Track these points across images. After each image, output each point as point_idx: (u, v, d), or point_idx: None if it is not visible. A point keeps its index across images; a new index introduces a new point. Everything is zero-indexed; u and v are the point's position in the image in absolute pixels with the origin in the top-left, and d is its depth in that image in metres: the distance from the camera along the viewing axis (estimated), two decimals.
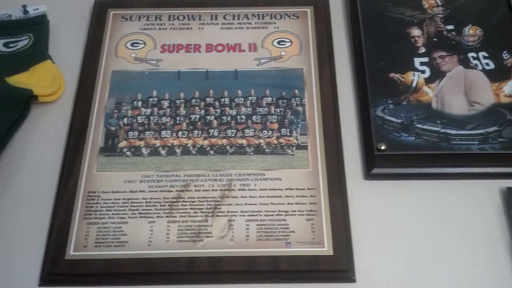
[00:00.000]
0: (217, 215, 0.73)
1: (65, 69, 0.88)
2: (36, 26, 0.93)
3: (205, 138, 0.80)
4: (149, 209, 0.74)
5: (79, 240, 0.72)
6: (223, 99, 0.84)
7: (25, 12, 0.95)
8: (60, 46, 0.92)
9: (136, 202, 0.74)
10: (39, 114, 0.85)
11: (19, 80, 0.86)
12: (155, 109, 0.83)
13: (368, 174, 0.77)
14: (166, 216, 0.73)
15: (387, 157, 0.77)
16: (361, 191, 0.76)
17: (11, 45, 0.91)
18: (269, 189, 0.75)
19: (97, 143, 0.80)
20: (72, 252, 0.71)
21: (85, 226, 0.73)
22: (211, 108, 0.83)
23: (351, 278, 0.69)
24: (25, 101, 0.83)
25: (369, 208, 0.75)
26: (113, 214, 0.74)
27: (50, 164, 0.80)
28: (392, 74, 0.85)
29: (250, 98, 0.84)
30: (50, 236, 0.73)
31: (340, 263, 0.70)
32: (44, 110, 0.85)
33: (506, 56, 0.85)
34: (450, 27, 0.89)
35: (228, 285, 0.70)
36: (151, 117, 0.82)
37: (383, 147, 0.77)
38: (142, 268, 0.70)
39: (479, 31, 0.88)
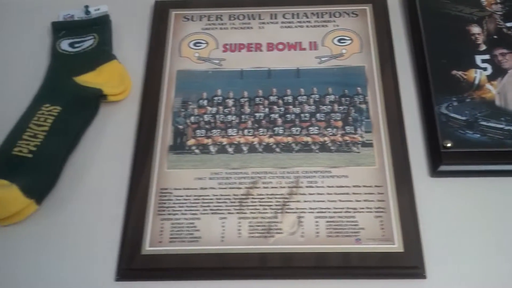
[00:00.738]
0: (286, 212, 0.74)
1: (128, 69, 0.90)
2: (100, 26, 0.94)
3: (270, 136, 0.81)
4: (219, 206, 0.75)
5: (154, 236, 0.73)
6: (286, 97, 0.85)
7: (87, 12, 0.97)
8: (122, 46, 0.94)
9: (207, 199, 0.76)
10: (107, 113, 0.87)
11: (87, 79, 0.88)
12: (221, 107, 0.84)
13: (435, 172, 0.78)
14: (237, 213, 0.75)
15: (454, 155, 0.77)
16: (427, 189, 0.77)
17: (77, 45, 0.93)
18: (336, 186, 0.76)
19: (166, 141, 0.81)
20: (148, 247, 0.73)
21: (159, 222, 0.74)
22: (275, 107, 0.84)
23: (422, 275, 0.70)
24: (95, 100, 0.84)
25: (436, 205, 0.76)
26: (185, 210, 0.75)
27: (121, 161, 0.82)
28: (454, 72, 0.85)
29: (313, 96, 0.84)
30: (125, 231, 0.74)
31: (411, 260, 0.70)
32: (112, 109, 0.87)
33: None
34: (510, 24, 0.89)
35: (299, 281, 0.71)
36: (217, 116, 0.84)
37: (449, 145, 0.77)
38: (216, 263, 0.72)
39: None
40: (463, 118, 0.80)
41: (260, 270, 0.71)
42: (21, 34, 0.97)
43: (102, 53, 0.91)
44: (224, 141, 0.81)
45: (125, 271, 0.72)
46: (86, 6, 0.97)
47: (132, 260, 0.72)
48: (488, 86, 0.83)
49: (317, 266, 0.71)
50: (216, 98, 0.86)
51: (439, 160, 0.77)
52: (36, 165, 0.78)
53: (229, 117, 0.84)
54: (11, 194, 0.73)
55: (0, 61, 0.94)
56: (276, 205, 0.75)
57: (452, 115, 0.81)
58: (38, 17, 0.97)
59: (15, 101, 0.87)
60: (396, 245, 0.71)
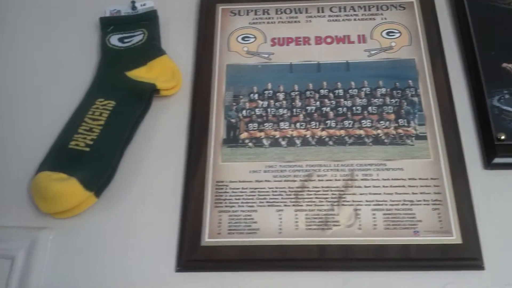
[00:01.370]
0: (343, 204, 0.75)
1: (177, 64, 0.91)
2: (148, 22, 0.95)
3: (323, 129, 0.81)
4: (276, 198, 0.76)
5: (213, 228, 0.74)
6: (337, 91, 0.85)
7: (133, 7, 0.98)
8: (169, 41, 0.94)
9: (263, 191, 0.77)
10: (159, 108, 0.88)
11: (139, 74, 0.88)
12: (272, 101, 0.85)
13: (489, 164, 0.77)
14: (293, 205, 0.75)
15: (508, 147, 0.77)
16: (482, 181, 0.77)
17: (126, 40, 0.94)
18: (392, 179, 0.76)
19: (219, 135, 0.82)
20: (207, 239, 0.74)
21: (217, 214, 0.75)
22: (326, 100, 0.84)
23: (480, 266, 0.70)
24: (148, 95, 0.85)
25: (491, 197, 0.76)
26: (242, 202, 0.76)
27: (175, 155, 0.82)
28: (504, 64, 0.84)
29: (364, 89, 0.85)
30: (183, 224, 0.75)
31: (469, 251, 0.71)
32: (163, 104, 0.88)
33: None
34: None
35: (359, 273, 0.71)
36: (269, 109, 0.84)
37: (503, 137, 0.77)
38: (275, 255, 0.72)
39: None
40: None
41: (320, 262, 0.72)
42: (68, 29, 0.98)
43: (152, 48, 0.92)
44: (277, 134, 0.82)
45: (185, 263, 0.73)
46: (133, 2, 0.98)
47: (192, 251, 0.73)
48: None
49: (376, 258, 0.71)
50: (266, 91, 0.86)
51: (494, 153, 0.77)
52: (94, 158, 0.78)
53: (281, 111, 0.84)
54: (71, 187, 0.74)
55: (50, 56, 0.95)
56: (332, 198, 0.75)
57: (504, 107, 0.81)
58: (85, 13, 0.97)
59: (66, 95, 0.89)
60: (454, 237, 0.72)
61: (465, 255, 0.71)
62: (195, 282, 0.72)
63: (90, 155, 0.78)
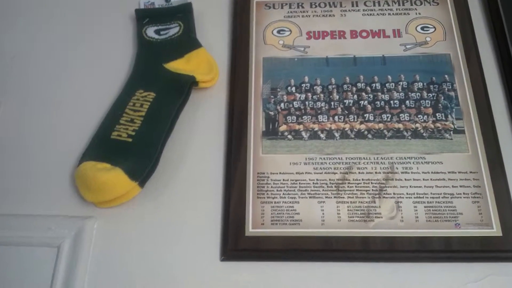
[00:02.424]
0: (384, 197, 0.75)
1: (213, 56, 0.91)
2: (183, 14, 0.95)
3: (361, 123, 0.81)
4: (317, 190, 0.76)
5: (256, 218, 0.75)
6: (374, 84, 0.85)
7: (167, 0, 0.96)
8: (204, 34, 0.94)
9: (304, 183, 0.77)
10: (198, 100, 0.88)
11: (177, 66, 0.88)
12: (309, 94, 0.85)
13: None
14: (334, 197, 0.75)
15: None
16: None
17: (162, 32, 0.93)
18: (432, 172, 0.77)
19: (258, 127, 0.82)
20: (251, 229, 0.74)
21: (259, 205, 0.75)
22: (363, 93, 0.84)
23: None
24: (187, 87, 0.85)
25: None
26: (284, 194, 0.76)
27: (214, 146, 0.83)
28: None
29: (401, 83, 0.85)
30: (226, 214, 0.75)
31: (510, 244, 0.71)
32: (202, 96, 0.88)
33: None
34: None
35: (402, 264, 0.71)
36: (306, 102, 0.84)
37: None
38: (319, 246, 0.73)
39: None
40: None
41: (364, 253, 0.72)
42: (103, 22, 0.98)
43: (189, 41, 0.91)
44: (316, 127, 0.82)
45: (230, 252, 0.73)
46: None
47: (237, 241, 0.73)
48: None
49: (419, 250, 0.71)
50: (303, 85, 0.86)
51: None
52: (137, 149, 0.78)
53: (319, 104, 0.84)
54: (116, 177, 0.74)
55: (88, 48, 0.95)
56: (373, 190, 0.76)
57: None
58: (119, 5, 0.97)
59: (105, 87, 0.89)
60: (495, 230, 0.72)
61: (505, 247, 0.71)
62: (239, 271, 0.72)
63: (132, 146, 0.78)
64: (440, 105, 0.82)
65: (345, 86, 0.85)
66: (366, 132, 0.80)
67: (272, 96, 0.85)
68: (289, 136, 0.81)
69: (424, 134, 0.80)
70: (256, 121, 0.82)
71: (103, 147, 0.79)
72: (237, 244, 0.73)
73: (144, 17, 0.95)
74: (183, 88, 0.85)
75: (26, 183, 0.80)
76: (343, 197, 0.75)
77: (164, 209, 0.77)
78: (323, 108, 0.83)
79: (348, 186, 0.76)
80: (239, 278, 0.72)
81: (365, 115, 0.82)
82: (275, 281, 0.71)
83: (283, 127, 0.82)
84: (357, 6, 0.94)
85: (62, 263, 0.74)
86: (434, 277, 0.71)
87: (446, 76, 0.84)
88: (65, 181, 0.80)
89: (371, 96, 0.84)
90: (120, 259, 0.74)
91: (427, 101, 0.83)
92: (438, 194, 0.74)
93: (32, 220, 0.77)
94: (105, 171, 0.75)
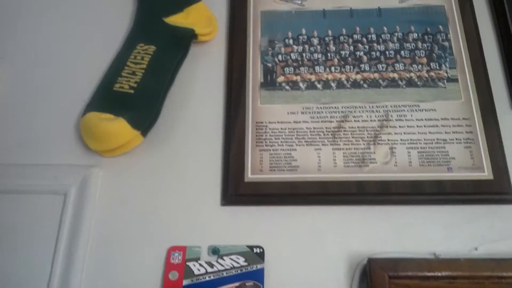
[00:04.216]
0: (379, 143, 0.75)
1: (211, 10, 0.90)
2: None
3: (357, 73, 0.81)
4: (314, 138, 0.76)
5: (255, 165, 0.75)
6: (370, 36, 0.84)
7: None
8: None
9: (301, 131, 0.77)
10: (197, 53, 0.87)
11: (177, 20, 0.88)
12: (306, 46, 0.84)
13: None
14: (331, 144, 0.76)
15: None
16: (511, 121, 0.76)
17: None
18: (425, 119, 0.76)
19: (257, 78, 0.82)
20: (250, 175, 0.74)
21: (258, 153, 0.75)
22: (359, 44, 0.84)
23: (511, 200, 0.70)
24: (187, 40, 0.84)
25: None
26: (281, 142, 0.76)
27: (214, 97, 0.83)
28: None
29: (396, 34, 0.84)
30: (226, 162, 0.76)
31: (500, 186, 0.72)
32: (201, 49, 0.88)
33: None
34: None
35: (396, 207, 0.72)
36: (304, 54, 0.83)
37: None
38: (315, 190, 0.73)
39: None
40: None
41: (359, 196, 0.72)
42: None
43: None
44: (313, 77, 0.81)
45: (230, 197, 0.73)
46: None
47: (237, 186, 0.74)
48: None
49: (412, 193, 0.71)
50: (301, 37, 0.85)
51: None
52: (138, 100, 0.78)
53: (315, 55, 0.83)
54: (120, 126, 0.75)
55: (88, 3, 0.94)
56: (368, 137, 0.76)
57: None
58: None
59: (107, 40, 0.89)
60: (486, 173, 0.72)
61: (496, 190, 0.71)
62: (239, 215, 0.73)
63: (134, 97, 0.78)
64: (434, 54, 0.81)
65: (341, 37, 0.84)
66: (361, 82, 0.80)
67: (270, 49, 0.84)
68: (287, 87, 0.81)
69: (419, 83, 0.79)
70: (254, 73, 0.82)
71: (106, 98, 0.79)
72: (237, 190, 0.73)
73: None
74: (183, 41, 0.84)
75: (33, 135, 0.81)
76: (339, 144, 0.75)
77: (166, 157, 0.78)
78: (320, 59, 0.83)
79: (343, 134, 0.76)
80: (239, 221, 0.72)
81: (361, 66, 0.81)
82: (273, 224, 0.71)
83: (280, 78, 0.81)
84: None
85: (69, 209, 0.74)
86: (427, 219, 0.71)
87: (440, 26, 0.84)
88: (70, 132, 0.80)
89: (367, 47, 0.83)
90: (125, 205, 0.74)
91: (421, 51, 0.82)
92: (431, 140, 0.74)
93: (39, 169, 0.77)
94: (108, 120, 0.75)
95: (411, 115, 0.76)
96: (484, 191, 0.71)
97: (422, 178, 0.72)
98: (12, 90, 0.84)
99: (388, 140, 0.75)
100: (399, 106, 0.77)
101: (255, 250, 0.69)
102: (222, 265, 0.68)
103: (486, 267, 0.63)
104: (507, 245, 0.68)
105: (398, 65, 0.81)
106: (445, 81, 0.79)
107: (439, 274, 0.63)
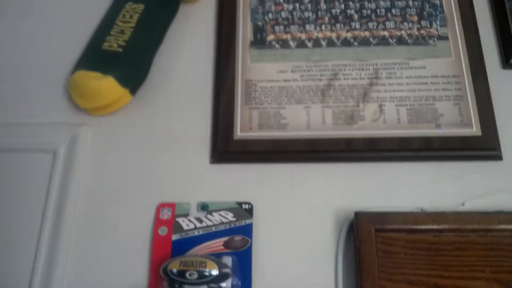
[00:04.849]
0: (368, 101, 0.74)
1: None
2: None
3: (347, 31, 0.80)
4: (303, 96, 0.76)
5: (244, 123, 0.74)
6: None
7: None
8: None
9: (291, 90, 0.76)
10: (187, 12, 0.86)
11: None
12: (297, 4, 0.83)
13: (507, 63, 0.77)
14: (320, 102, 0.75)
15: None
16: (500, 79, 0.77)
17: None
18: (415, 77, 0.76)
19: (246, 37, 0.81)
20: (239, 133, 0.73)
21: (247, 111, 0.75)
22: (350, 3, 0.83)
23: (498, 156, 0.71)
24: (176, 0, 0.82)
25: (509, 94, 0.75)
26: (271, 100, 0.76)
27: (204, 57, 0.82)
28: None
29: None
30: (216, 120, 0.75)
31: (488, 143, 0.71)
32: (191, 8, 0.87)
33: None
34: None
35: (384, 163, 0.72)
36: (294, 12, 0.82)
37: None
38: (304, 147, 0.73)
39: None
40: None
41: (347, 153, 0.72)
42: None
43: None
44: (303, 36, 0.80)
45: (219, 155, 0.73)
46: None
47: (226, 144, 0.73)
48: None
49: (400, 149, 0.71)
50: None
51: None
52: (127, 58, 0.77)
53: (306, 14, 0.82)
54: (108, 84, 0.74)
55: None
56: (358, 95, 0.75)
57: None
58: None
59: (92, 1, 0.87)
60: (474, 129, 0.72)
61: (484, 146, 0.70)
62: (229, 173, 0.72)
63: (123, 55, 0.77)
64: (425, 12, 0.80)
65: None
66: (352, 40, 0.79)
67: (260, 7, 0.83)
68: (277, 46, 0.80)
69: (409, 41, 0.78)
70: (244, 31, 0.81)
71: (95, 57, 0.78)
72: (226, 147, 0.73)
73: None
74: (171, 1, 0.82)
75: (22, 93, 0.80)
76: (328, 102, 0.75)
77: (155, 116, 0.77)
78: (311, 17, 0.82)
79: (333, 92, 0.76)
80: (228, 179, 0.72)
81: (351, 24, 0.80)
82: (262, 181, 0.71)
83: (271, 37, 0.80)
84: None
85: (58, 167, 0.74)
86: (415, 175, 0.71)
87: None
88: (59, 91, 0.80)
89: (358, 6, 0.82)
90: (114, 163, 0.74)
91: (412, 9, 0.81)
92: (420, 97, 0.74)
93: (28, 127, 0.77)
94: (97, 79, 0.75)
95: (401, 73, 0.76)
96: (472, 147, 0.71)
97: (410, 135, 0.71)
98: (0, 47, 0.82)
99: (377, 97, 0.74)
100: (389, 64, 0.77)
101: (243, 206, 0.69)
102: (211, 221, 0.68)
103: (472, 220, 0.63)
104: (493, 201, 0.68)
105: (388, 23, 0.80)
106: (435, 39, 0.78)
107: (426, 227, 0.63)
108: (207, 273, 0.60)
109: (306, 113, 0.74)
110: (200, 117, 0.76)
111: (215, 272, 0.60)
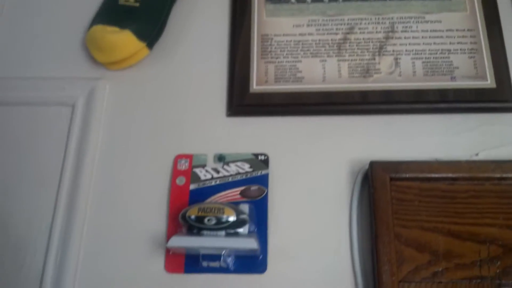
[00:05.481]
0: (384, 54, 0.74)
1: None
2: None
3: None
4: (319, 50, 0.76)
5: (260, 77, 0.75)
6: None
7: None
8: None
9: (307, 44, 0.76)
10: None
11: None
12: None
13: None
14: (336, 56, 0.75)
15: None
16: None
17: None
18: (430, 31, 0.76)
19: None
20: (255, 86, 0.74)
21: (263, 65, 0.75)
22: None
23: None
24: None
25: None
26: (287, 54, 0.76)
27: (219, 11, 0.83)
28: None
29: None
30: (232, 73, 0.76)
31: (503, 95, 0.72)
32: None
33: None
34: None
35: (399, 116, 0.72)
36: None
37: None
38: (320, 100, 0.73)
39: None
40: None
41: (363, 106, 0.72)
42: None
43: None
44: None
45: (236, 108, 0.74)
46: None
47: (242, 97, 0.74)
48: None
49: (415, 101, 0.71)
50: None
51: None
52: (144, 12, 0.78)
53: None
54: (125, 37, 0.74)
55: None
56: (373, 48, 0.75)
57: None
58: None
59: None
60: (489, 82, 0.72)
61: (498, 98, 0.71)
62: (245, 126, 0.73)
63: (140, 10, 0.77)
64: None
65: None
66: None
67: None
68: (292, 0, 0.79)
69: None
70: None
71: (112, 12, 0.79)
72: (242, 100, 0.73)
73: None
74: None
75: (41, 48, 0.81)
76: (344, 56, 0.75)
77: (172, 70, 0.78)
78: None
79: (349, 45, 0.76)
80: (244, 131, 0.72)
81: None
82: (278, 134, 0.72)
83: None
84: None
85: (76, 120, 0.75)
86: (429, 127, 0.71)
87: None
88: (77, 45, 0.81)
89: None
90: (132, 117, 0.75)
91: None
92: (435, 50, 0.74)
93: (47, 81, 0.78)
94: (114, 32, 0.75)
95: (417, 27, 0.76)
96: (486, 99, 0.71)
97: (425, 87, 0.72)
98: (18, 4, 0.83)
99: (393, 51, 0.74)
100: (405, 17, 0.76)
101: (259, 157, 0.70)
102: (227, 171, 0.69)
103: (486, 168, 0.63)
104: (507, 151, 0.68)
105: None
106: None
107: (440, 175, 0.63)
108: (224, 219, 0.61)
109: (322, 67, 0.74)
110: (216, 72, 0.77)
111: (232, 218, 0.61)
